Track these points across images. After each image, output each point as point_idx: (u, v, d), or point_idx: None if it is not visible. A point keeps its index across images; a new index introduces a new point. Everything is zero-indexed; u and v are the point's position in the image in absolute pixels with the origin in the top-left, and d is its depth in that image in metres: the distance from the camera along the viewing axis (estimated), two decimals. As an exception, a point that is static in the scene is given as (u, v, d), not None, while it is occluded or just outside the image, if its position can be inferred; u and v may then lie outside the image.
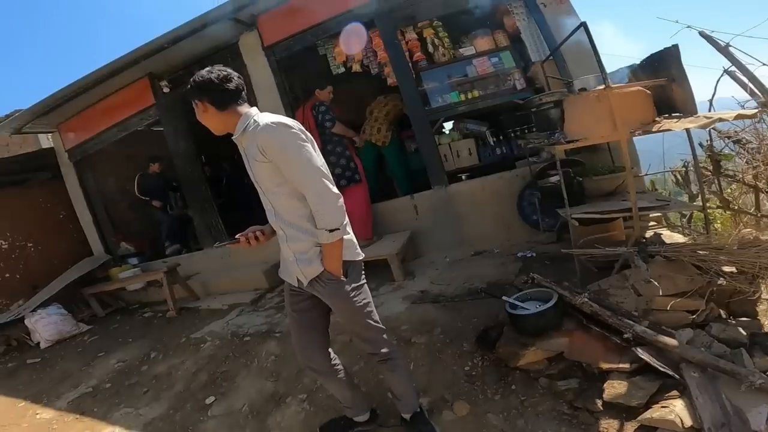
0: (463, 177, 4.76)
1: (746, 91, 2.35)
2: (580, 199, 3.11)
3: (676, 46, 2.39)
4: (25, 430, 3.26)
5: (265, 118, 1.71)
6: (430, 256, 4.59)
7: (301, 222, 1.77)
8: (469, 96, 4.53)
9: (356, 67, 4.91)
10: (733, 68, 2.48)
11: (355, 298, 1.86)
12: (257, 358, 3.37)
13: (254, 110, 1.80)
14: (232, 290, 5.25)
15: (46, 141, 8.31)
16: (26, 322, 5.38)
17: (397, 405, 2.14)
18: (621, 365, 1.96)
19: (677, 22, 2.41)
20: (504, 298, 2.49)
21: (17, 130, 6.47)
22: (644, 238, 2.70)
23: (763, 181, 2.85)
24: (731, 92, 2.51)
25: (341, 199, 1.71)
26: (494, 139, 4.76)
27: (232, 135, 1.81)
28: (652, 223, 3.54)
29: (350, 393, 2.18)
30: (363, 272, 1.95)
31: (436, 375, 2.54)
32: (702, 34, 2.36)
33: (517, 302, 2.44)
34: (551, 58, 3.94)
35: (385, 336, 2.00)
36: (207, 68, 1.76)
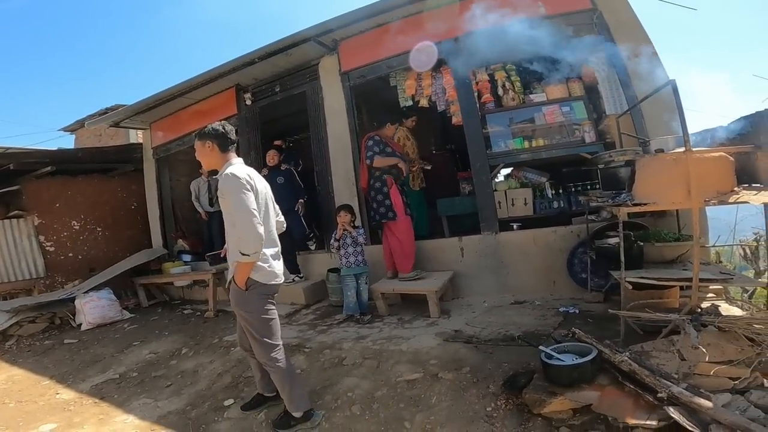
0: (515, 226, 4.63)
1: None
2: (637, 263, 3.02)
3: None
4: (41, 407, 3.35)
5: (229, 169, 2.36)
6: (469, 298, 4.48)
7: (233, 245, 2.38)
8: (534, 144, 4.46)
9: (423, 102, 5.02)
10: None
11: (248, 308, 2.42)
12: (283, 369, 3.37)
13: (235, 160, 2.48)
14: (270, 301, 5.37)
15: (134, 136, 9.13)
16: (76, 302, 5.71)
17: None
18: (648, 422, 1.95)
19: None
20: (541, 347, 2.49)
21: (116, 123, 7.22)
22: (699, 308, 2.57)
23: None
24: None
25: (257, 237, 2.25)
26: (553, 191, 4.62)
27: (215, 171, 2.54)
28: (710, 295, 3.31)
29: (261, 375, 2.74)
30: (271, 295, 2.50)
31: (457, 411, 2.49)
32: (796, 98, 2.19)
33: (553, 353, 2.44)
34: (628, 112, 3.82)
35: (270, 351, 2.46)
36: (218, 122, 2.51)
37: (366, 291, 4.41)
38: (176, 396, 3.25)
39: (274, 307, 2.52)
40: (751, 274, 3.98)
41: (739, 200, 2.22)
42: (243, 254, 2.25)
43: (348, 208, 4.40)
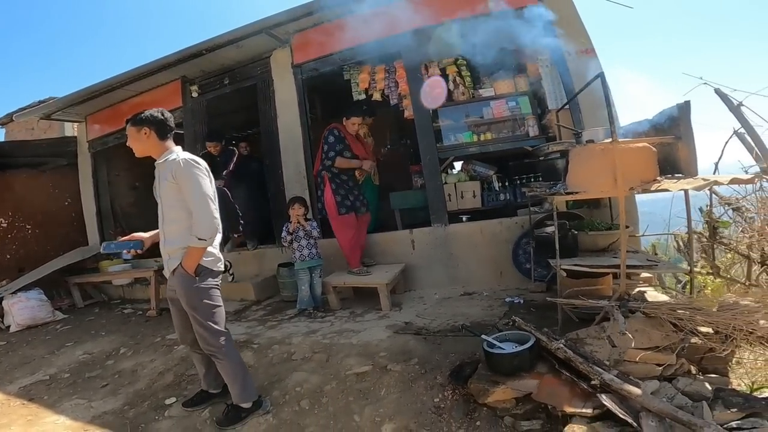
0: (464, 218, 4.73)
1: (752, 155, 2.31)
2: (572, 252, 3.11)
3: (687, 103, 2.38)
4: (-36, 411, 3.12)
5: (184, 155, 2.38)
6: (420, 290, 4.53)
7: (178, 231, 2.36)
8: (482, 138, 4.56)
9: (377, 96, 5.01)
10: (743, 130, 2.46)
11: (199, 295, 2.37)
12: (230, 366, 3.28)
13: (178, 148, 2.47)
14: (219, 297, 5.21)
15: (70, 129, 8.55)
16: (3, 303, 5.35)
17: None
18: (584, 410, 1.98)
19: (701, 78, 2.40)
20: (483, 336, 2.51)
21: (47, 116, 6.71)
22: (628, 294, 2.66)
23: (757, 252, 2.77)
24: (741, 155, 2.47)
25: (216, 222, 2.32)
26: (500, 184, 4.76)
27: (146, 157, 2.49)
28: (642, 284, 3.46)
29: (206, 371, 2.69)
30: (218, 281, 2.49)
31: (405, 403, 2.49)
32: (717, 91, 2.35)
33: (495, 342, 2.47)
34: (567, 107, 3.94)
35: (220, 339, 2.45)
36: (156, 109, 2.43)
37: (320, 285, 4.35)
38: (112, 396, 3.10)
39: (219, 293, 2.52)
40: (685, 265, 4.23)
41: (660, 188, 2.33)
42: (200, 239, 2.27)
43: (301, 200, 4.31)
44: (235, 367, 2.52)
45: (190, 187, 2.29)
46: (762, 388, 2.23)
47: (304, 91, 5.22)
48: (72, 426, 2.75)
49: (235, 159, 5.49)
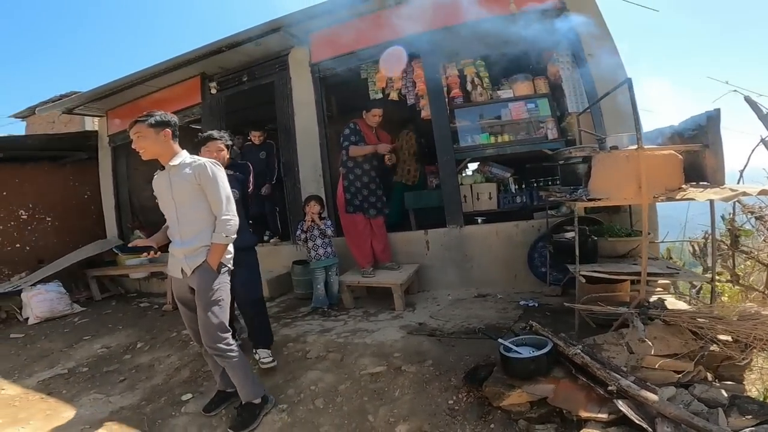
0: (479, 220, 4.70)
1: (779, 164, 2.26)
2: (591, 257, 3.09)
3: (717, 111, 2.32)
4: (-16, 404, 3.16)
5: (204, 159, 2.47)
6: (434, 291, 4.52)
7: (199, 230, 2.41)
8: (499, 139, 4.52)
9: (394, 95, 4.99)
10: (770, 137, 2.40)
11: (219, 290, 2.42)
12: (244, 363, 3.31)
13: (185, 151, 2.50)
14: (232, 294, 5.26)
15: (90, 123, 8.70)
16: (23, 295, 5.41)
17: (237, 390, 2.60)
18: (599, 415, 1.99)
19: (727, 83, 2.33)
20: (500, 340, 2.51)
21: (69, 111, 6.85)
22: (647, 301, 2.63)
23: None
24: (767, 163, 2.40)
25: (237, 221, 2.45)
26: (516, 186, 4.72)
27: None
28: (659, 290, 3.42)
29: (223, 370, 2.64)
30: (228, 278, 2.53)
31: (420, 404, 2.50)
32: (747, 99, 2.29)
33: (511, 345, 2.46)
34: (588, 110, 3.89)
35: (223, 335, 2.44)
36: (163, 112, 2.43)
37: (336, 283, 4.37)
38: (130, 391, 3.14)
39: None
40: (699, 270, 4.17)
41: (685, 197, 2.29)
42: (226, 236, 2.40)
43: (317, 198, 4.36)
44: (241, 363, 2.54)
45: (216, 188, 2.40)
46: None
47: (321, 89, 5.24)
48: (90, 420, 2.77)
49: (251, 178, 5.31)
